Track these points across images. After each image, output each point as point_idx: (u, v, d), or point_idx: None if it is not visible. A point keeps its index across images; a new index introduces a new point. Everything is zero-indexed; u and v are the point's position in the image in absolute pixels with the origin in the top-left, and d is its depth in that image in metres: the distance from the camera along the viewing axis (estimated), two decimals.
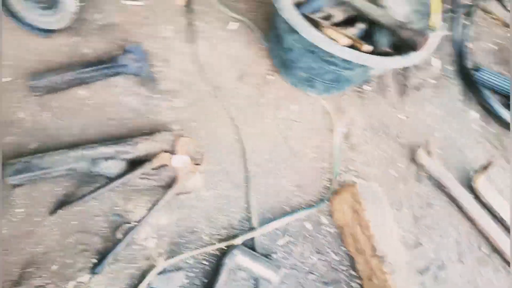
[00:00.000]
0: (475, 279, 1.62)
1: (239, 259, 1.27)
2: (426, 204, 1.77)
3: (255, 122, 1.67)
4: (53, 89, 1.39)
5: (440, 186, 1.80)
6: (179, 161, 1.31)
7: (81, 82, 1.45)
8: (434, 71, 2.29)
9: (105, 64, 1.46)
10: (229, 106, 1.66)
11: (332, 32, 1.48)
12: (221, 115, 1.63)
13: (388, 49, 1.61)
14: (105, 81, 1.49)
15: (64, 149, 1.26)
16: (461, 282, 1.59)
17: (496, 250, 1.69)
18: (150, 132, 1.42)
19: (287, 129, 1.72)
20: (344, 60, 1.46)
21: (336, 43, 1.41)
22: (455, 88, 2.21)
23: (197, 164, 1.31)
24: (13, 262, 1.11)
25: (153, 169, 1.32)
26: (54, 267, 1.13)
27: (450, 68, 2.27)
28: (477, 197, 1.75)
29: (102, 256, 1.19)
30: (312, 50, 1.50)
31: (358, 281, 1.45)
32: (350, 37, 1.48)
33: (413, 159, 1.86)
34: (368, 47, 1.49)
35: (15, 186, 1.19)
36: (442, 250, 1.66)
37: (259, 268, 1.27)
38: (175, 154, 1.32)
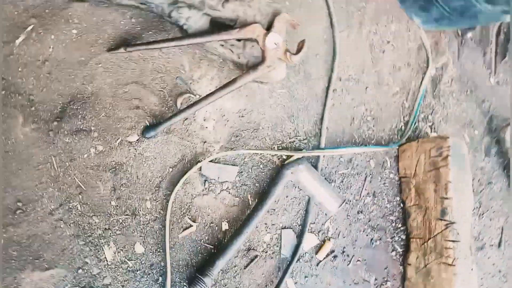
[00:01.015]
0: (507, 272, 1.54)
1: (302, 175, 1.09)
2: (486, 182, 1.61)
3: (350, 30, 1.39)
4: None
5: (506, 167, 1.63)
6: (272, 41, 1.05)
7: None
8: None
9: None
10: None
11: None
12: (318, 5, 1.33)
13: None
14: None
15: None
16: (493, 270, 1.51)
17: None
18: None
19: (380, 51, 1.45)
20: None
21: None
22: None
23: (292, 53, 1.05)
24: (58, 92, 0.89)
25: (238, 39, 1.06)
26: (102, 115, 0.92)
27: None
28: None
29: (156, 121, 0.99)
30: None
31: (403, 236, 1.33)
32: None
33: (490, 131, 1.66)
34: None
35: None
36: (486, 233, 1.55)
37: (321, 193, 1.10)
38: (270, 30, 1.05)
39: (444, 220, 1.18)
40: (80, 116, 0.90)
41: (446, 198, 1.18)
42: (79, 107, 0.90)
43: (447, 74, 1.62)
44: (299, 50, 1.06)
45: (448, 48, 1.65)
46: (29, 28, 0.87)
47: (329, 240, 1.18)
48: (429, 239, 1.22)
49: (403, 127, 1.43)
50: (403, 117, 1.45)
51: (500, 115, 1.71)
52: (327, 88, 1.28)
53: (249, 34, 1.04)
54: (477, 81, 1.70)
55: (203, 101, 1.02)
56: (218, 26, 1.06)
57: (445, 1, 1.37)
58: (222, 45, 1.06)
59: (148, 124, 0.98)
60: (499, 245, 1.57)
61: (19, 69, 0.85)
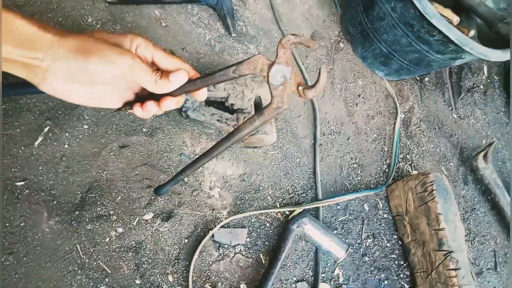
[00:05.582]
0: None
1: (308, 228, 1.17)
2: (470, 208, 1.73)
3: (325, 90, 1.55)
4: (127, 0, 1.21)
5: (485, 193, 1.77)
6: (278, 74, 0.70)
7: (157, 1, 1.27)
8: (483, 77, 2.24)
9: None
10: (301, 66, 1.52)
11: (439, 7, 1.36)
12: None
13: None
14: (181, 6, 1.32)
15: None
16: None
17: None
18: None
19: (353, 104, 1.62)
20: (441, 42, 1.36)
21: (449, 21, 1.30)
22: (500, 99, 2.17)
23: (307, 87, 0.75)
24: (76, 183, 0.95)
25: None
26: (118, 198, 0.99)
27: (496, 77, 2.23)
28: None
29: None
30: (411, 23, 1.39)
31: (407, 272, 1.39)
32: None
33: (463, 161, 1.81)
34: (472, 33, 1.39)
35: None
36: (480, 258, 1.64)
37: (327, 242, 1.17)
38: (274, 62, 0.90)
39: (442, 250, 1.26)
40: (98, 202, 0.96)
41: (440, 229, 1.28)
42: (97, 194, 0.97)
43: (415, 116, 1.80)
44: (317, 80, 0.66)
45: (411, 93, 1.85)
46: (46, 129, 0.96)
47: (341, 287, 1.23)
48: (432, 271, 1.29)
49: (386, 169, 1.56)
50: (385, 160, 1.58)
51: (468, 145, 1.88)
52: (314, 143, 1.40)
53: (251, 69, 0.78)
54: (442, 119, 1.89)
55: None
56: (212, 104, 1.19)
57: (401, 55, 1.57)
58: (218, 120, 1.18)
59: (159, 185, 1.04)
60: (495, 268, 1.65)
61: (40, 168, 0.92)
